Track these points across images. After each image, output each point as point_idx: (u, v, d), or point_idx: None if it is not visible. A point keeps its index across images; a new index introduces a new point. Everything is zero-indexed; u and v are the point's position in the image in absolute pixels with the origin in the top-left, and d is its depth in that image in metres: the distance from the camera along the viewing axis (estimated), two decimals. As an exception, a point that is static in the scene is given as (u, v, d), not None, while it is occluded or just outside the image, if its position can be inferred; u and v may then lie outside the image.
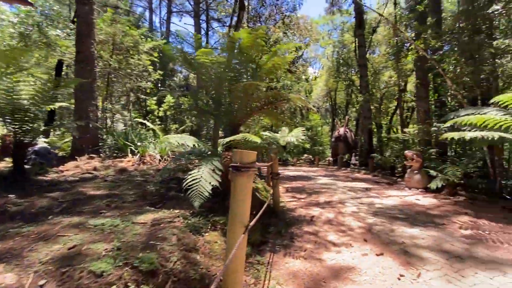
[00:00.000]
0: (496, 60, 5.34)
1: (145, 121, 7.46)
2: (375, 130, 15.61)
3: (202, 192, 2.53)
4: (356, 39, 14.45)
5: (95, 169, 5.04)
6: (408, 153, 6.85)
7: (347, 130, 15.16)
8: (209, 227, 2.75)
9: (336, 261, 2.70)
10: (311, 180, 8.50)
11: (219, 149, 3.78)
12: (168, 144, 2.72)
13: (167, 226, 2.57)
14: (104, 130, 7.61)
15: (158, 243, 2.05)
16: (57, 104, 4.02)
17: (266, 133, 17.79)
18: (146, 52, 7.41)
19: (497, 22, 5.40)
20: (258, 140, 2.63)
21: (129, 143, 6.46)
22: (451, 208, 4.77)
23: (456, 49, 7.54)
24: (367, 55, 16.51)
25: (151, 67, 7.98)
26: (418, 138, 8.01)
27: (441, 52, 9.43)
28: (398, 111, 21.82)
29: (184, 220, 2.71)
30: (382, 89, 14.58)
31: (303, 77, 27.44)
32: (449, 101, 12.24)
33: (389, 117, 22.52)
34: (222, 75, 3.55)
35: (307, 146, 20.22)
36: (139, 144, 6.18)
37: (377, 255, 2.81)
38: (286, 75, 21.81)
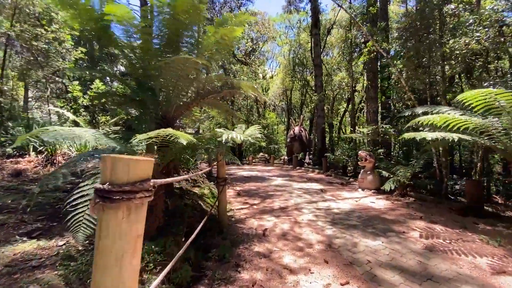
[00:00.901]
0: (445, 62, 5.44)
1: (61, 110, 5.88)
2: (327, 129, 16.00)
3: (90, 220, 1.58)
4: (312, 38, 14.49)
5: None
6: (361, 153, 6.74)
7: (302, 129, 15.18)
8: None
9: (293, 300, 2.03)
10: (265, 181, 7.93)
11: (140, 148, 2.81)
12: (51, 137, 1.71)
13: (31, 274, 1.56)
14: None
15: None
16: None
17: (221, 130, 17.00)
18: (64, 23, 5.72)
19: (448, 23, 5.50)
20: (186, 138, 1.79)
21: (33, 138, 4.90)
22: (405, 211, 4.61)
23: (404, 51, 7.75)
24: (322, 57, 16.86)
25: (71, 42, 6.31)
26: (368, 138, 8.09)
27: (389, 56, 9.79)
28: (348, 112, 23.09)
29: (65, 262, 1.72)
30: (335, 90, 14.95)
31: (260, 74, 27.14)
32: (394, 103, 13.13)
33: (340, 118, 23.73)
34: (146, 46, 2.58)
35: (263, 144, 19.90)
36: (46, 139, 4.69)
37: (342, 284, 2.23)
38: (242, 69, 21.08)
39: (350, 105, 22.75)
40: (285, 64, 21.37)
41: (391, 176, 6.02)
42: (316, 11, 14.36)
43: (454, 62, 5.11)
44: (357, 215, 4.36)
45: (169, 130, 1.78)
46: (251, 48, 20.37)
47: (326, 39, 17.87)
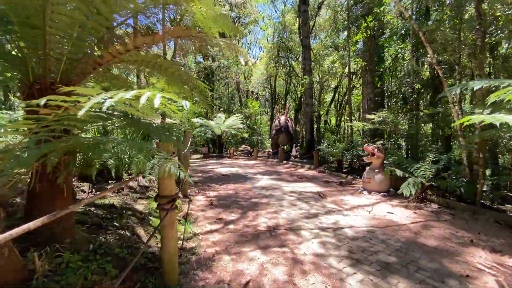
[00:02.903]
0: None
1: None
2: (315, 120, 14.70)
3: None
4: (301, 16, 12.90)
5: None
6: (368, 147, 5.38)
7: (288, 119, 13.75)
8: None
9: None
10: (248, 182, 6.41)
11: None
12: None
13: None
14: None
15: None
16: None
17: (198, 119, 14.96)
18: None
19: None
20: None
21: None
22: (443, 229, 3.30)
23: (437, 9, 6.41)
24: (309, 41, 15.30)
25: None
26: (370, 127, 6.77)
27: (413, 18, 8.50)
28: (335, 102, 21.97)
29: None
30: (323, 77, 13.56)
31: (242, 60, 25.19)
32: (389, 90, 12.02)
33: (326, 108, 22.58)
34: None
35: (246, 135, 18.30)
36: None
37: None
38: (223, 53, 19.01)
39: (345, 94, 21.68)
40: (269, 48, 19.62)
41: (408, 176, 4.72)
42: (304, -15, 12.71)
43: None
44: (381, 239, 2.97)
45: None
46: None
47: (315, 19, 16.32)
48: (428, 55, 6.30)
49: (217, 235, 3.06)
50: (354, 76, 13.62)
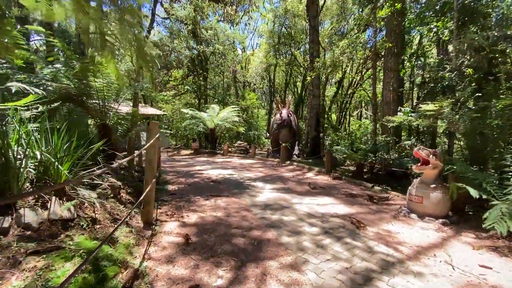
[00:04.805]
0: None
1: None
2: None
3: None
4: (308, -7, 11.12)
5: None
6: (420, 151, 3.75)
7: (290, 112, 12.07)
8: None
9: None
10: (245, 194, 4.75)
11: None
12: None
13: None
14: None
15: None
16: None
17: (188, 110, 13.16)
18: None
19: None
20: None
21: None
22: None
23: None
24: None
25: None
26: (419, 122, 5.05)
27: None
28: (339, 96, 20.29)
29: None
30: (333, 63, 11.81)
31: (239, 48, 23.29)
32: (412, 78, 10.43)
33: (329, 103, 20.92)
34: None
35: (242, 130, 16.56)
36: None
37: None
38: (218, 37, 17.01)
39: (348, 88, 19.99)
40: (269, 34, 17.73)
41: (494, 200, 3.11)
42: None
43: None
44: None
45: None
46: None
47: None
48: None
49: None
50: (368, 62, 11.89)
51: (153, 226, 2.96)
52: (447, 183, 3.77)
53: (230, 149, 14.33)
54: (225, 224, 3.19)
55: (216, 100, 18.58)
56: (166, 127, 17.41)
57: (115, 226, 2.35)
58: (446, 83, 5.38)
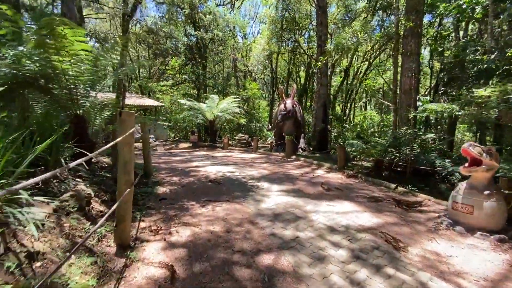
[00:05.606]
0: None
1: None
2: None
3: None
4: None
5: None
6: (471, 149, 2.97)
7: (295, 103, 11.23)
8: None
9: None
10: (249, 197, 4.02)
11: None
12: None
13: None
14: None
15: None
16: None
17: (185, 101, 12.31)
18: None
19: None
20: None
21: None
22: None
23: None
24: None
25: None
26: (470, 111, 4.22)
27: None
28: (345, 85, 19.33)
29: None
30: (341, 49, 10.87)
31: (239, 36, 22.17)
32: (432, 63, 9.55)
33: (335, 93, 19.99)
34: None
35: (243, 121, 15.73)
36: None
37: None
38: (217, 23, 15.94)
39: (354, 77, 18.99)
40: (272, 19, 16.63)
41: None
42: None
43: None
44: None
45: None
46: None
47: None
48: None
49: None
50: (384, 46, 10.92)
51: (129, 251, 2.23)
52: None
53: (230, 142, 13.57)
54: (224, 245, 2.46)
55: (215, 90, 17.66)
56: (164, 119, 16.58)
57: (65, 258, 1.62)
58: (485, 65, 4.53)
